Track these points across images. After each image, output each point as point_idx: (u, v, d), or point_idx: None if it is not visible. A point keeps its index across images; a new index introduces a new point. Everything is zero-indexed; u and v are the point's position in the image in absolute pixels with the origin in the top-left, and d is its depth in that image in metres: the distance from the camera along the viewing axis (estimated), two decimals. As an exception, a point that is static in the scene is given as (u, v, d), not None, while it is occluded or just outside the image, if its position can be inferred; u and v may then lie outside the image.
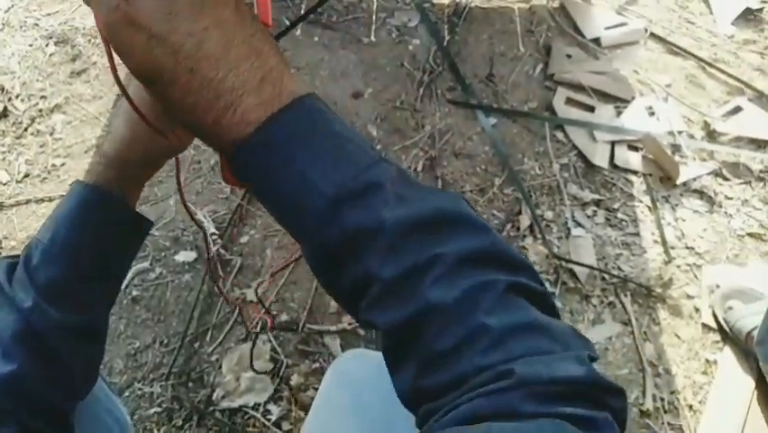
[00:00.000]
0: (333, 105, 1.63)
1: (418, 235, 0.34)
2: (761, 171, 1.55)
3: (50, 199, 1.45)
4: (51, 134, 1.55)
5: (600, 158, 1.55)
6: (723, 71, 1.73)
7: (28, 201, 1.44)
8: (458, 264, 0.33)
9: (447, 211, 0.35)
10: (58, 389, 0.53)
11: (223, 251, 1.37)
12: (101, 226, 0.55)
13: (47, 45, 1.72)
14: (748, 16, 1.85)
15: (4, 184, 1.47)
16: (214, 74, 0.34)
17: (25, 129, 1.56)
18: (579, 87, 1.67)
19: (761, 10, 1.86)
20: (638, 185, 1.53)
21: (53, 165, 1.51)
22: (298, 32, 1.78)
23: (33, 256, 0.52)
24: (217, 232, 1.39)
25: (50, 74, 1.67)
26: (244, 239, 1.41)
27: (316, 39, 1.77)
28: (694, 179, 1.53)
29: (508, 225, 1.45)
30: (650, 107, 1.65)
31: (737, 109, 1.64)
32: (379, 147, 1.56)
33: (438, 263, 0.33)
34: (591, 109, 1.64)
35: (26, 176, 1.49)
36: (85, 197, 0.54)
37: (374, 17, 1.83)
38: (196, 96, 0.34)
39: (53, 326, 0.51)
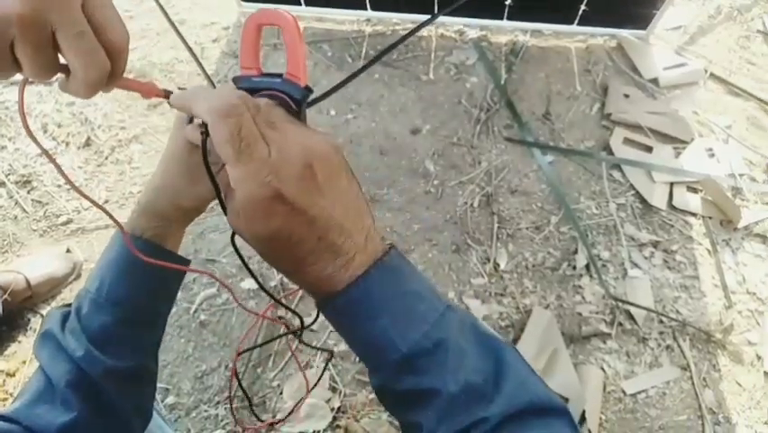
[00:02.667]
0: (392, 140, 1.69)
1: (468, 398, 0.40)
2: (827, 217, 1.52)
3: (126, 225, 1.54)
4: (129, 163, 1.66)
5: (658, 199, 1.55)
6: (787, 113, 1.71)
7: (107, 226, 1.54)
8: (499, 426, 0.39)
9: (497, 373, 0.41)
10: (115, 431, 0.56)
11: (286, 279, 1.43)
12: (140, 274, 0.57)
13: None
14: (813, 58, 1.83)
15: (86, 209, 1.58)
16: (337, 240, 0.40)
17: (106, 158, 1.67)
18: (636, 127, 1.68)
19: (826, 52, 1.84)
20: (697, 227, 1.52)
21: (130, 192, 1.61)
22: (360, 69, 1.85)
23: (83, 306, 0.55)
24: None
25: (128, 106, 1.78)
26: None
27: (377, 76, 1.84)
28: (756, 223, 1.51)
29: (564, 264, 1.46)
30: (710, 149, 1.64)
31: (802, 152, 1.62)
32: (435, 182, 1.60)
33: (481, 426, 0.39)
34: (649, 149, 1.64)
35: (105, 202, 1.59)
36: (124, 244, 0.56)
37: (433, 55, 1.89)
38: (318, 257, 0.40)
39: (105, 372, 0.53)
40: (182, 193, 0.57)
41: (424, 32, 1.96)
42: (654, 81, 1.79)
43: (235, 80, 0.50)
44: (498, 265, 1.47)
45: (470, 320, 0.44)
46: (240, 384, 0.77)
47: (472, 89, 1.80)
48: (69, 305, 0.58)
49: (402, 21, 1.97)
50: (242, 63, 0.50)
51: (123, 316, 0.56)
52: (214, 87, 0.49)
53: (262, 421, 1.19)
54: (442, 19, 1.95)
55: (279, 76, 0.49)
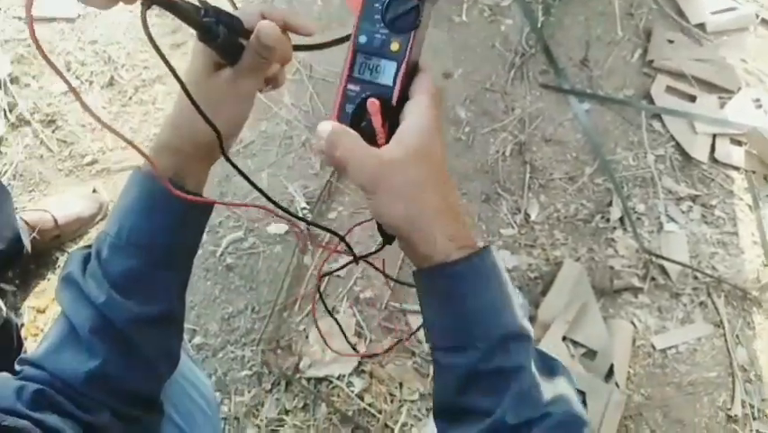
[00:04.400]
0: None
1: (538, 393, 0.44)
2: None
3: (152, 166, 1.53)
4: (153, 104, 1.63)
5: (700, 151, 1.49)
6: (843, 63, 1.61)
7: (132, 167, 1.52)
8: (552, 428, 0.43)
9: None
10: (143, 376, 0.54)
11: (299, 229, 1.41)
12: (162, 214, 0.54)
13: (149, 17, 1.78)
14: None
15: (111, 150, 1.56)
16: (457, 203, 0.49)
17: (130, 98, 1.64)
18: (680, 75, 1.60)
19: None
20: (739, 182, 1.46)
21: (155, 134, 1.58)
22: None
23: (103, 250, 0.52)
24: (307, 206, 1.43)
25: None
26: (332, 215, 1.44)
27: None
28: (802, 179, 1.44)
29: (598, 216, 1.42)
30: (757, 100, 1.56)
31: None
32: (467, 129, 1.55)
33: (547, 419, 0.43)
34: (693, 99, 1.57)
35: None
36: (142, 185, 0.54)
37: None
38: (441, 215, 0.46)
39: (130, 318, 0.51)
40: (201, 125, 0.51)
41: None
42: (701, 26, 1.69)
43: None
44: (529, 216, 1.43)
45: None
46: (326, 307, 0.78)
47: (507, 32, 1.71)
48: (90, 246, 0.55)
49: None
50: None
51: (145, 259, 0.53)
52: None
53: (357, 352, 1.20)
54: (477, -43, 1.86)
55: None
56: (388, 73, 0.48)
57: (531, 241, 1.41)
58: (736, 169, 1.48)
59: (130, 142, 0.48)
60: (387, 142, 0.47)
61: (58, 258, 1.38)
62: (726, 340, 1.26)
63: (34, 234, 1.30)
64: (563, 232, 1.41)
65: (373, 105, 0.46)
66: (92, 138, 1.58)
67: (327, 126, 0.46)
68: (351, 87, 0.49)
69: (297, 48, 0.63)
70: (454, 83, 1.64)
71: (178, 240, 0.57)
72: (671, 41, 1.65)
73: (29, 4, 0.38)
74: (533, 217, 1.43)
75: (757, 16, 1.70)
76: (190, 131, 0.53)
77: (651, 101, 1.57)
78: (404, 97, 0.48)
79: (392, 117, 0.48)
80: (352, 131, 0.46)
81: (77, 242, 1.40)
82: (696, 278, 1.34)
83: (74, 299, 0.52)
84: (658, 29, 1.68)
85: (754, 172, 1.46)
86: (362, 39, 0.48)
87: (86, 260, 0.54)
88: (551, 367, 0.47)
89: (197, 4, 0.49)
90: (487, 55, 1.68)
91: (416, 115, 0.46)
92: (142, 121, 1.61)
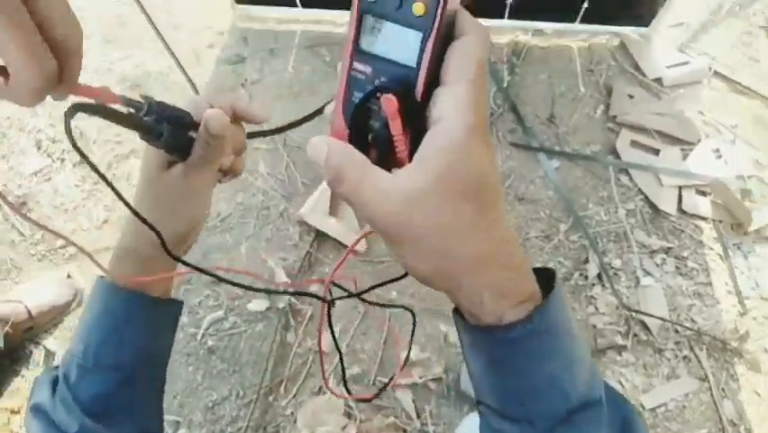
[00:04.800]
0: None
1: None
2: (837, 217, 1.50)
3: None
4: (128, 180, 1.62)
5: (667, 203, 1.53)
6: (792, 111, 1.69)
7: (107, 248, 1.50)
8: None
9: None
10: None
11: (293, 300, 1.40)
12: (127, 327, 0.52)
13: (121, 90, 1.78)
14: (817, 53, 1.81)
15: (85, 230, 1.53)
16: (500, 277, 0.34)
17: (102, 175, 1.62)
18: (642, 129, 1.66)
19: (831, 46, 1.82)
20: (708, 231, 1.51)
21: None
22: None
23: (71, 373, 0.50)
24: (288, 279, 1.42)
25: (122, 120, 1.73)
26: (314, 287, 1.44)
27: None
28: (767, 226, 1.49)
29: (576, 274, 1.44)
30: (717, 150, 1.62)
31: (810, 152, 1.60)
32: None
33: None
34: (656, 152, 1.62)
35: (105, 222, 1.55)
36: (105, 298, 0.52)
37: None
38: (471, 289, 0.34)
39: None
40: (161, 226, 0.48)
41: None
42: (658, 81, 1.76)
43: None
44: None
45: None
46: (334, 338, 0.73)
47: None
48: (57, 368, 0.53)
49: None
50: None
51: (115, 379, 0.51)
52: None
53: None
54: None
55: None
56: (409, 47, 0.33)
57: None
58: (704, 219, 1.52)
59: (89, 255, 0.48)
60: (410, 155, 0.33)
61: (32, 352, 1.33)
62: (712, 395, 1.28)
63: (7, 328, 1.26)
64: (544, 291, 1.43)
65: (390, 104, 0.32)
66: (65, 219, 1.55)
67: (322, 145, 0.33)
68: (358, 65, 0.34)
69: (255, 134, 0.62)
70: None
71: (148, 352, 0.55)
72: (631, 96, 1.72)
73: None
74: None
75: (710, 69, 1.78)
76: (149, 233, 0.49)
77: (617, 156, 1.62)
78: (432, 82, 0.33)
79: (417, 116, 0.33)
80: (356, 153, 0.33)
81: (51, 332, 1.36)
82: (677, 331, 1.37)
83: (45, 431, 0.50)
84: (618, 84, 1.75)
85: (720, 222, 1.51)
86: None
87: (55, 382, 0.52)
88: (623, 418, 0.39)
89: (141, 100, 0.45)
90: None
91: (447, 116, 0.32)
92: (116, 199, 1.58)
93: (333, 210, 1.53)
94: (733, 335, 1.36)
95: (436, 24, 0.31)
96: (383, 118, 0.33)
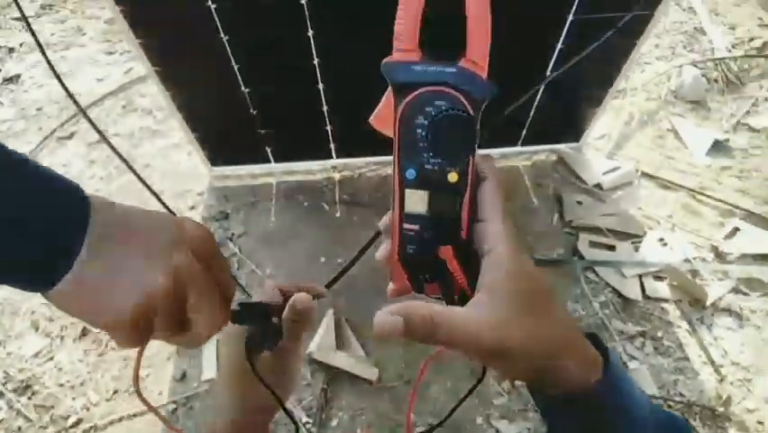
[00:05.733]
0: (384, 276, 1.78)
1: None
2: (774, 283, 1.75)
3: (142, 414, 1.52)
4: (131, 346, 1.65)
5: (633, 291, 1.73)
6: (712, 197, 1.98)
7: (121, 418, 1.51)
8: None
9: None
10: None
11: (318, 438, 1.44)
12: None
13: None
14: (718, 146, 2.16)
15: (95, 405, 1.54)
16: (580, 350, 0.41)
17: (106, 345, 1.66)
18: (596, 229, 1.89)
19: (727, 140, 2.17)
20: (672, 311, 1.70)
21: (141, 377, 1.59)
22: (338, 214, 1.98)
23: None
24: (309, 420, 1.47)
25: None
26: (334, 422, 1.49)
27: (355, 218, 1.97)
28: (720, 299, 1.71)
29: (572, 369, 1.57)
30: (661, 239, 1.86)
31: (736, 230, 1.87)
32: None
33: None
34: (612, 248, 1.85)
35: (115, 392, 1.56)
36: None
37: (400, 191, 2.05)
38: (563, 370, 0.39)
39: None
40: (263, 404, 0.57)
41: (388, 169, 2.13)
42: (598, 186, 2.03)
43: (387, 68, 0.39)
44: (514, 382, 1.56)
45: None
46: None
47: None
48: None
49: (366, 164, 2.14)
50: (398, 42, 0.38)
51: None
52: None
53: None
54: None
55: (452, 63, 0.38)
56: (447, 205, 0.40)
57: (522, 405, 1.52)
58: (666, 301, 1.72)
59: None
60: (469, 285, 0.40)
61: None
62: (716, 461, 1.41)
63: None
64: (547, 390, 1.55)
65: (446, 252, 0.40)
66: (72, 396, 1.55)
67: (390, 317, 0.37)
68: (408, 225, 0.41)
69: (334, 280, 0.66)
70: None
71: None
72: (579, 202, 1.97)
73: (139, 357, 0.45)
74: (517, 382, 1.56)
75: (637, 171, 2.07)
76: (248, 416, 0.58)
77: (581, 256, 1.83)
78: (471, 223, 0.41)
79: (464, 253, 0.41)
80: (435, 306, 0.37)
81: None
82: (670, 406, 1.50)
83: None
84: (566, 193, 2.00)
85: (680, 301, 1.71)
86: (410, 174, 0.40)
87: None
88: None
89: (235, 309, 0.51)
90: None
91: (497, 248, 0.39)
92: (123, 367, 1.61)
93: (339, 344, 1.62)
94: (717, 401, 1.51)
95: (469, 187, 0.40)
96: (440, 261, 0.40)
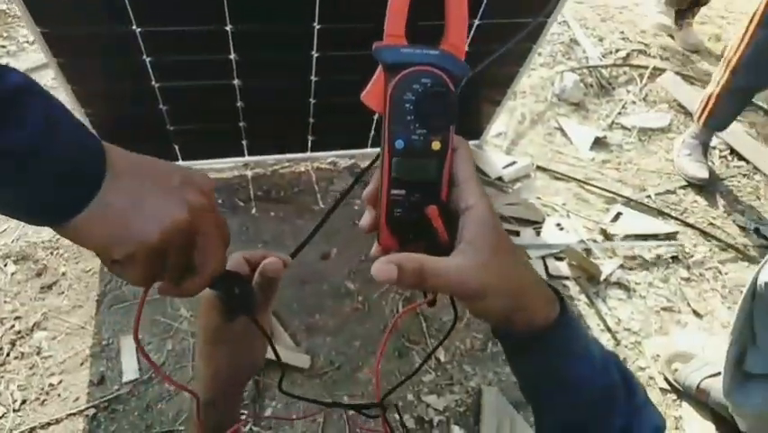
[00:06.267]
0: (308, 268, 1.81)
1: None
2: (652, 258, 1.99)
3: (57, 421, 1.41)
4: (38, 354, 1.53)
5: (539, 271, 1.89)
6: (596, 186, 2.22)
7: (32, 429, 1.39)
8: None
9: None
10: None
11: (255, 428, 1.43)
12: None
13: (5, 265, 1.71)
14: (599, 142, 2.42)
15: (2, 417, 1.40)
16: (543, 289, 0.48)
17: (7, 354, 1.52)
18: (502, 217, 2.04)
19: (605, 137, 2.44)
20: (573, 287, 1.88)
21: (50, 385, 1.48)
22: (254, 211, 1.97)
23: None
24: (244, 411, 1.45)
25: (17, 293, 1.65)
26: (268, 412, 1.48)
27: (272, 214, 1.97)
28: (610, 274, 1.92)
29: (489, 343, 1.69)
30: (558, 224, 2.05)
31: (619, 214, 2.11)
32: (360, 298, 1.75)
33: None
34: (517, 233, 2.00)
35: (23, 402, 1.44)
36: None
37: (316, 187, 2.08)
38: (532, 308, 0.46)
39: None
40: (246, 366, 0.62)
41: (301, 166, 2.16)
42: (500, 178, 2.19)
43: (379, 51, 0.44)
44: (440, 359, 1.65)
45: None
46: None
47: (361, 210, 2.01)
48: None
49: (279, 161, 2.15)
50: (388, 29, 0.44)
51: None
52: None
53: None
54: (314, 153, 2.17)
55: (435, 47, 0.44)
56: (431, 170, 0.45)
57: (448, 380, 1.61)
58: (566, 278, 1.90)
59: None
60: (449, 239, 0.45)
61: None
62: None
63: None
64: (470, 364, 1.65)
65: (432, 211, 0.44)
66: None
67: (388, 266, 0.42)
68: (395, 191, 0.45)
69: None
70: (334, 262, 1.85)
71: None
72: (485, 194, 2.11)
73: (143, 299, 0.49)
74: (443, 359, 1.65)
75: (533, 164, 2.27)
76: (233, 373, 0.62)
77: (490, 241, 1.96)
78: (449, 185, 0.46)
79: (445, 212, 0.45)
80: (423, 256, 0.42)
81: None
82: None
83: None
84: (472, 186, 2.14)
85: (578, 278, 1.90)
86: (399, 144, 0.44)
87: None
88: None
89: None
90: (352, 233, 1.94)
91: (474, 205, 0.44)
92: (30, 375, 1.49)
93: (268, 336, 1.61)
94: (617, 363, 1.69)
95: (449, 152, 0.45)
96: (425, 221, 0.45)
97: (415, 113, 0.43)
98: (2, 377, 1.48)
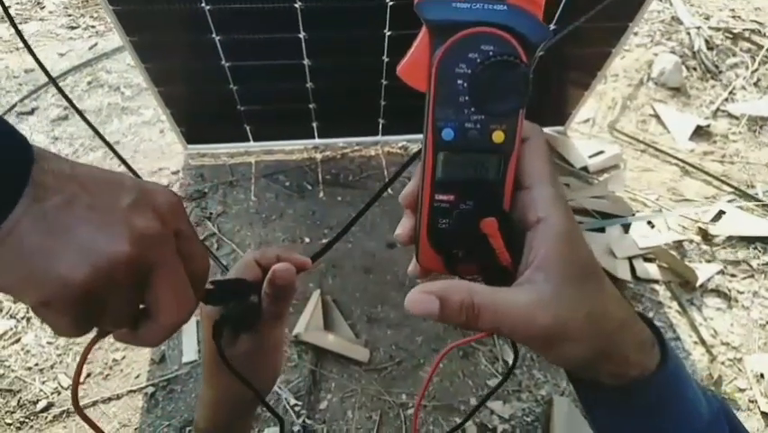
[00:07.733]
0: (372, 257, 1.73)
1: None
2: (759, 265, 1.76)
3: (118, 397, 1.42)
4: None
5: (623, 272, 1.71)
6: (697, 179, 1.99)
7: (95, 403, 1.41)
8: None
9: None
10: None
11: (308, 421, 1.38)
12: None
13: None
14: (700, 132, 2.17)
15: (66, 389, 1.43)
16: (637, 332, 0.37)
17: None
18: (585, 211, 1.87)
19: (708, 126, 2.19)
20: (662, 292, 1.70)
21: (114, 360, 1.49)
22: (321, 195, 1.91)
23: None
24: (298, 402, 1.40)
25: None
26: (323, 405, 1.43)
27: (339, 198, 1.91)
28: (708, 280, 1.71)
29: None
30: (649, 221, 1.86)
31: (721, 213, 1.88)
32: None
33: None
34: (602, 230, 1.83)
35: (88, 375, 1.46)
36: None
37: (385, 172, 2.00)
38: (620, 354, 0.35)
39: None
40: (246, 393, 0.50)
41: (371, 150, 2.08)
42: (585, 169, 2.02)
43: (422, 5, 0.32)
44: (507, 362, 1.53)
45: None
46: None
47: (432, 198, 1.91)
48: None
49: (348, 144, 2.08)
50: None
51: None
52: None
53: None
54: (385, 137, 2.08)
55: (502, 1, 0.32)
56: (490, 169, 0.35)
57: (516, 386, 1.49)
58: (656, 282, 1.71)
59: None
60: (513, 261, 0.35)
61: None
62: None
63: None
64: (541, 370, 1.52)
65: (490, 226, 0.34)
66: (42, 379, 1.44)
67: (427, 297, 0.32)
68: (440, 196, 0.35)
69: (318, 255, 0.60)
70: (400, 251, 1.76)
71: None
72: (567, 185, 1.95)
73: (90, 346, 0.38)
74: (510, 363, 1.52)
75: (623, 154, 2.07)
76: (236, 398, 0.53)
77: (570, 237, 1.80)
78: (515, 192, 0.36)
79: (507, 226, 0.35)
80: (476, 285, 0.33)
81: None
82: (663, 386, 1.49)
83: None
84: (553, 176, 1.98)
85: (670, 282, 1.71)
86: (447, 134, 0.34)
87: None
88: None
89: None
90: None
91: (548, 216, 0.33)
92: (96, 349, 1.51)
93: (327, 325, 1.56)
94: (710, 381, 1.51)
95: (516, 146, 0.34)
96: (480, 237, 0.34)
97: (470, 92, 0.32)
98: (71, 349, 1.51)
